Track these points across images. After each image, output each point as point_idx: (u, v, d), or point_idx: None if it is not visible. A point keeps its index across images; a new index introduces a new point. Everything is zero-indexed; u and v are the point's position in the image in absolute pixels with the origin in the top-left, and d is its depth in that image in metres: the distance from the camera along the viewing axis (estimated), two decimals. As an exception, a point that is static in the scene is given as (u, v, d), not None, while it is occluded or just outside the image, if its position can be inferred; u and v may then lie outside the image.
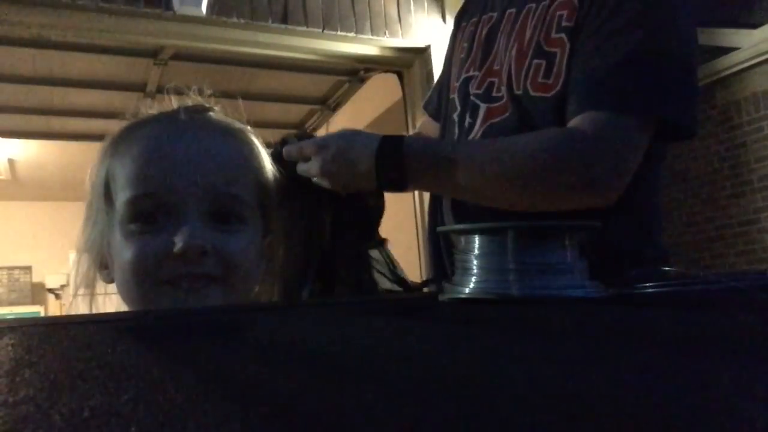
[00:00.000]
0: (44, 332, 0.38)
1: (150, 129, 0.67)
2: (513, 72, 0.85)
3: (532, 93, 0.82)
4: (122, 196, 0.63)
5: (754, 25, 3.61)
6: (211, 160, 0.65)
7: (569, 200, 0.77)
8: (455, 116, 0.95)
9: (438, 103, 1.08)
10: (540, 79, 0.82)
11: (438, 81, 1.14)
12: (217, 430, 0.16)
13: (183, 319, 0.46)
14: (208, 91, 0.75)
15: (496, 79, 0.88)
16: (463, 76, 0.95)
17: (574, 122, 0.77)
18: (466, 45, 0.97)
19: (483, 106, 0.89)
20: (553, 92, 0.81)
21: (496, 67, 0.89)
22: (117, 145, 0.67)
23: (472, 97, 0.91)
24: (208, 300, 0.62)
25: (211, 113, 0.72)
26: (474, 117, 0.90)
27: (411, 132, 3.62)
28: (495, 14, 0.93)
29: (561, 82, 0.80)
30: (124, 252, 0.62)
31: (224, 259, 0.63)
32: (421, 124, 1.19)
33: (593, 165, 0.75)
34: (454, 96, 0.96)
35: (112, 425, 0.16)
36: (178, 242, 0.60)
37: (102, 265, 0.68)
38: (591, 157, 0.75)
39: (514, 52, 0.86)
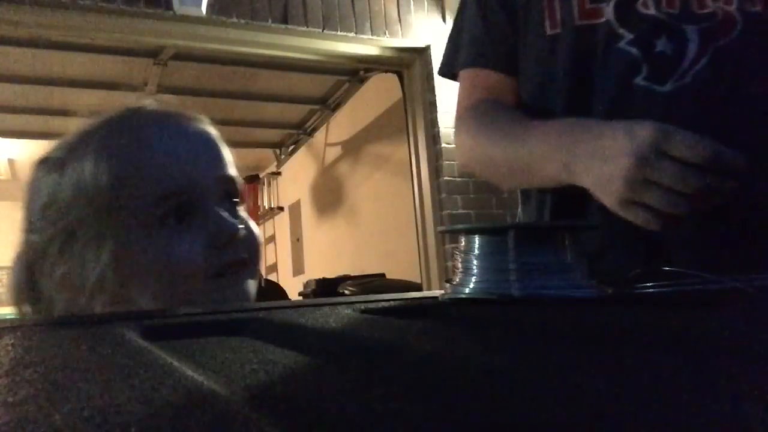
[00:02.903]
0: (44, 332, 0.38)
1: (137, 132, 0.64)
2: None
3: None
4: (148, 196, 0.61)
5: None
6: (210, 149, 0.67)
7: None
8: (624, 45, 0.74)
9: (508, 48, 0.86)
10: None
11: (483, 26, 0.88)
12: (218, 430, 0.16)
13: (183, 319, 0.46)
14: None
15: None
16: None
17: None
18: None
19: (690, 28, 0.71)
20: None
21: None
22: (108, 154, 0.62)
23: (659, 16, 0.73)
24: (247, 285, 0.64)
25: (154, 106, 0.70)
26: (678, 41, 0.71)
27: (411, 131, 3.63)
28: None
29: None
30: (164, 252, 0.60)
31: (250, 240, 0.65)
32: (488, 84, 0.89)
33: None
34: (604, 21, 0.75)
35: (112, 425, 0.16)
36: (224, 229, 0.61)
37: (97, 290, 0.63)
38: None
39: None
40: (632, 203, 0.59)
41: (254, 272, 0.66)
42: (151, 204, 0.61)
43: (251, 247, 0.66)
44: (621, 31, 0.74)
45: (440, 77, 1.04)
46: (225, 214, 0.63)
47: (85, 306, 0.61)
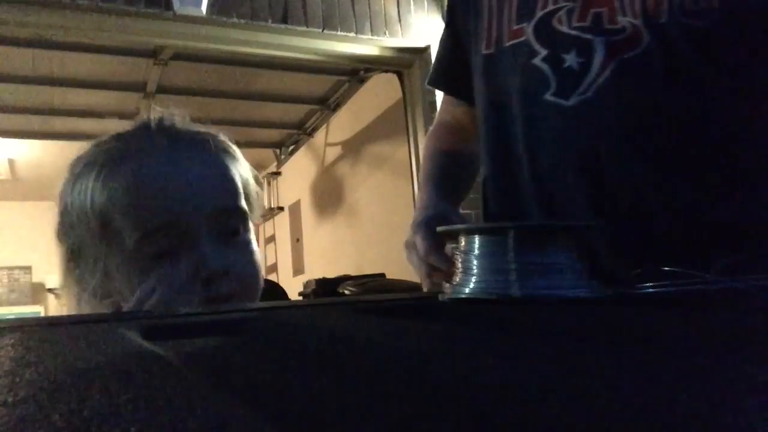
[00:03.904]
0: (44, 332, 0.38)
1: (139, 159, 0.64)
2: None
3: (683, 21, 0.71)
4: (134, 229, 0.61)
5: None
6: (209, 180, 0.66)
7: None
8: (537, 61, 0.78)
9: (458, 72, 0.93)
10: (690, 6, 0.72)
11: (443, 49, 0.98)
12: (218, 430, 0.16)
13: (183, 319, 0.46)
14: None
15: (603, 9, 0.75)
16: (541, 13, 0.79)
17: None
18: None
19: (598, 40, 0.74)
20: (709, 21, 0.71)
21: None
22: (106, 179, 0.63)
23: (571, 32, 0.76)
24: None
25: (176, 122, 0.69)
26: (586, 55, 0.75)
27: (411, 131, 3.62)
28: None
29: (718, 8, 0.70)
30: (146, 285, 0.61)
31: (241, 276, 0.64)
32: (444, 109, 1.01)
33: None
34: (525, 39, 0.80)
35: (112, 425, 0.16)
36: (203, 268, 0.61)
37: (103, 294, 0.65)
38: None
39: None
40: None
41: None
42: (139, 237, 0.61)
43: (243, 281, 0.65)
44: (537, 47, 0.78)
45: None
46: (208, 251, 0.62)
47: (97, 308, 0.65)
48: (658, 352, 0.28)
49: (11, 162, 6.14)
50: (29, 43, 3.33)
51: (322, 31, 3.15)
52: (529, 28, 0.80)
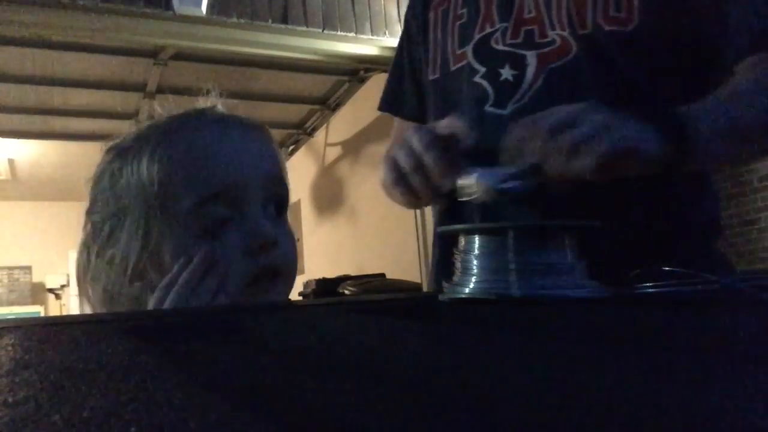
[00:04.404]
0: (44, 332, 0.38)
1: (194, 131, 0.66)
2: (573, 12, 0.80)
3: (606, 28, 0.77)
4: (190, 196, 0.62)
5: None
6: (259, 149, 0.68)
7: None
8: (478, 78, 0.85)
9: (416, 96, 0.99)
10: (612, 13, 0.77)
11: (398, 76, 1.04)
12: (218, 430, 0.16)
13: (183, 319, 0.46)
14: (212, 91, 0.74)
15: (534, 27, 0.82)
16: (478, 36, 0.87)
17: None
18: (465, 10, 0.90)
19: (530, 53, 0.81)
20: (632, 26, 0.76)
21: (527, 16, 0.83)
22: (163, 150, 0.64)
23: (505, 49, 0.83)
24: (280, 298, 0.65)
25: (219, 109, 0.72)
26: (519, 67, 0.81)
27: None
28: None
29: (637, 13, 0.76)
30: (198, 257, 0.60)
31: (286, 252, 0.66)
32: (397, 129, 1.06)
33: None
34: (466, 62, 0.87)
35: (112, 425, 0.16)
36: (256, 236, 0.62)
37: (135, 276, 0.64)
38: None
39: None
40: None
41: (287, 286, 0.66)
42: (195, 203, 0.62)
43: (287, 258, 0.66)
44: (477, 66, 0.86)
45: None
46: (261, 219, 0.63)
47: (124, 290, 0.63)
48: (658, 352, 0.28)
49: (11, 162, 6.14)
50: (29, 43, 3.33)
51: (322, 31, 3.15)
52: (469, 51, 0.87)
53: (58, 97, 4.25)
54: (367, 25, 3.26)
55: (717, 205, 0.88)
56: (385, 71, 3.69)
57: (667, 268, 0.50)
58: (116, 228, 0.64)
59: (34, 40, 3.20)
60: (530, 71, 0.80)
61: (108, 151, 0.69)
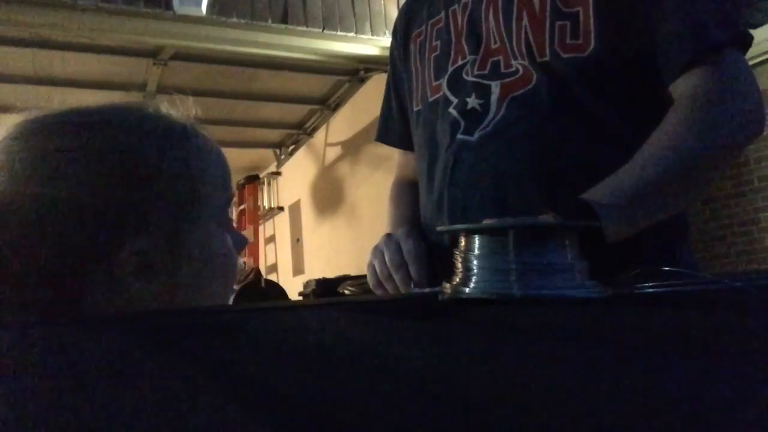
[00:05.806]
0: (44, 332, 0.38)
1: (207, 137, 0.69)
2: (532, 41, 0.83)
3: (564, 56, 0.81)
4: (220, 193, 0.64)
5: (754, 26, 3.61)
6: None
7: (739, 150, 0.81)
8: (451, 109, 0.91)
9: (403, 127, 1.07)
10: (569, 41, 0.81)
11: (388, 107, 1.12)
12: (218, 430, 0.16)
13: (182, 320, 0.46)
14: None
15: (499, 57, 0.87)
16: (451, 69, 0.92)
17: (689, 81, 0.77)
18: (438, 42, 0.95)
19: (494, 83, 0.86)
20: (588, 51, 0.80)
21: (494, 46, 0.88)
22: (192, 146, 0.63)
23: (473, 80, 0.88)
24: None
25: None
26: (484, 96, 0.87)
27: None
28: (460, 4, 0.92)
29: (593, 39, 0.79)
30: (224, 245, 0.62)
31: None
32: (400, 163, 1.14)
33: (745, 110, 0.77)
34: (442, 93, 0.93)
35: (113, 425, 0.16)
36: (244, 238, 0.65)
37: (147, 276, 0.62)
38: (739, 102, 0.78)
39: (525, 22, 0.84)
40: None
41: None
42: (223, 200, 0.64)
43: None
44: (450, 97, 0.92)
45: None
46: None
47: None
48: (658, 352, 0.28)
49: (11, 162, 6.13)
50: (29, 43, 3.33)
51: (322, 31, 3.15)
52: (444, 83, 0.93)
53: (58, 97, 4.23)
54: (367, 25, 3.26)
55: (684, 212, 0.89)
56: (385, 71, 3.69)
57: (666, 268, 0.50)
58: (134, 221, 0.65)
59: (34, 40, 3.21)
60: (493, 100, 0.86)
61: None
